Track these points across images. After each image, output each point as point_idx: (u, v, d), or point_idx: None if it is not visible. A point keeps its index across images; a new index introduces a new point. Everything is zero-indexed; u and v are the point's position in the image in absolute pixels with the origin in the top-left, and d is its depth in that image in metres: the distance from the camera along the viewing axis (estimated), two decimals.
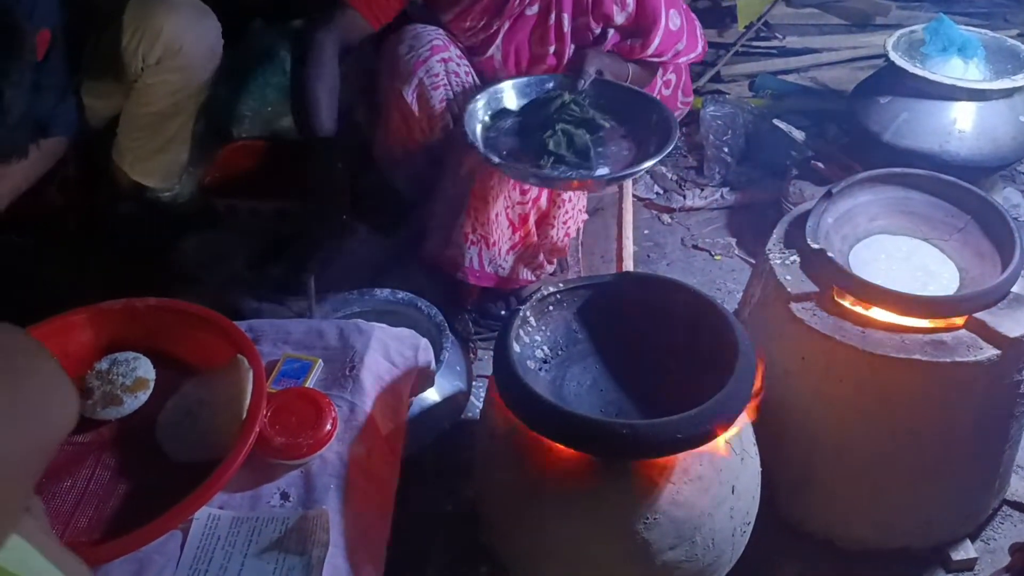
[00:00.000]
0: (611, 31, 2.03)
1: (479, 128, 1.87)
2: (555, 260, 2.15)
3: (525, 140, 1.86)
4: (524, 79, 1.98)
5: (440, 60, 1.94)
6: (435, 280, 2.10)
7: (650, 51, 2.04)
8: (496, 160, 1.77)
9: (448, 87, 1.96)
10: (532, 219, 2.00)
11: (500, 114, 1.94)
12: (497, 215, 1.97)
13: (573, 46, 2.04)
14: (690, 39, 2.09)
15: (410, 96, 1.94)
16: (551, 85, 1.95)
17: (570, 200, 2.03)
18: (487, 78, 2.07)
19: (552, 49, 2.03)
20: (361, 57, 2.08)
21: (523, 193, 1.96)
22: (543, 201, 1.98)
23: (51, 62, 1.73)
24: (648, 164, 1.80)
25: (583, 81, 1.91)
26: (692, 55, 2.13)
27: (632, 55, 2.06)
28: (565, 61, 2.05)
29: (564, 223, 2.05)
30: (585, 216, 2.14)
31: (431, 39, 1.96)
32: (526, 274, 2.09)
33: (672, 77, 2.20)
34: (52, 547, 0.76)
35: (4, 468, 0.64)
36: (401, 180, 2.11)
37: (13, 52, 1.42)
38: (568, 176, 1.79)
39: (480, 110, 1.90)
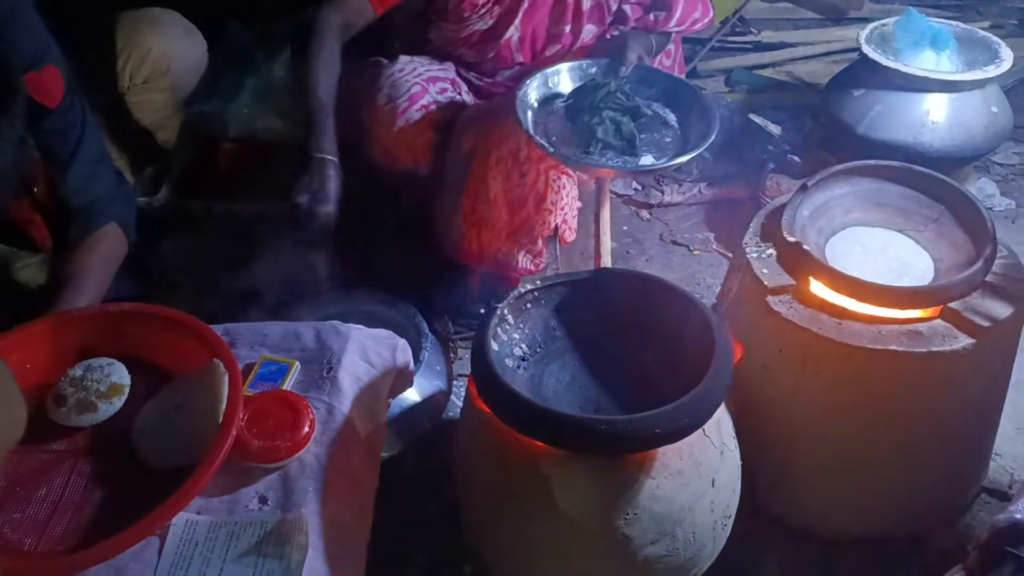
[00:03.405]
0: (627, 7, 2.04)
1: (529, 114, 1.86)
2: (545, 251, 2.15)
3: (572, 127, 1.85)
4: (572, 63, 1.97)
5: (420, 108, 1.96)
6: (436, 270, 2.12)
7: (673, 23, 2.06)
8: (551, 150, 1.76)
9: (431, 129, 1.96)
10: (531, 203, 2.00)
11: (546, 99, 1.93)
12: (496, 197, 1.96)
13: (589, 25, 2.04)
14: (703, 6, 2.11)
15: (392, 143, 1.96)
16: (595, 71, 1.95)
17: (565, 187, 2.03)
18: (502, 60, 2.07)
19: (568, 28, 2.04)
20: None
21: (522, 176, 1.95)
22: (540, 185, 1.98)
23: (73, 107, 1.64)
24: (695, 153, 1.79)
25: (625, 68, 1.91)
26: (706, 20, 2.14)
27: (656, 28, 2.07)
28: (579, 40, 2.06)
29: (561, 208, 2.05)
30: (579, 204, 2.15)
31: (409, 87, 1.97)
32: (526, 262, 2.08)
33: (672, 47, 2.21)
34: None
35: None
36: (392, 179, 2.12)
37: (3, 102, 1.34)
38: (619, 165, 1.78)
39: (531, 94, 1.89)
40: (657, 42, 2.08)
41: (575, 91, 1.90)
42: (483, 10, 2.01)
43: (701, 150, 1.78)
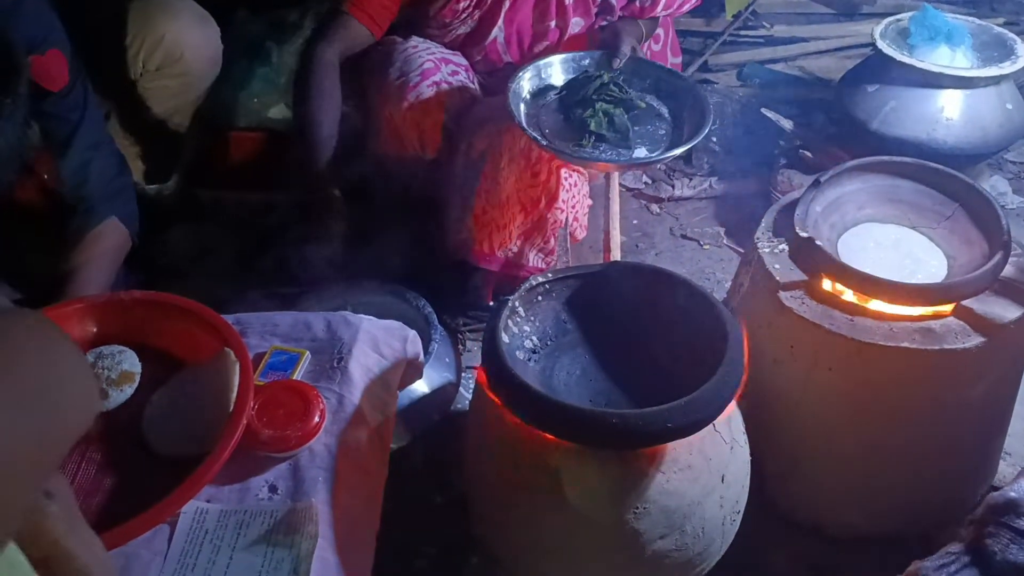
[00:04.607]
0: None
1: (522, 107, 1.85)
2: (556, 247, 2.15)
3: (565, 119, 1.84)
4: (565, 55, 1.95)
5: (431, 84, 1.93)
6: (447, 269, 2.11)
7: (660, 8, 2.05)
8: (544, 143, 1.76)
9: (440, 108, 1.94)
10: (544, 202, 1.99)
11: (539, 91, 1.92)
12: (508, 198, 1.96)
13: (575, 18, 2.03)
14: None
15: (401, 119, 1.94)
16: (588, 63, 1.94)
17: (576, 185, 2.02)
18: (490, 61, 2.06)
19: (553, 24, 2.03)
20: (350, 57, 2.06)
21: (534, 175, 1.95)
22: (552, 183, 1.98)
23: (74, 91, 1.65)
24: (689, 145, 1.78)
25: (619, 60, 1.90)
26: (693, 1, 2.13)
27: (643, 15, 2.06)
28: (567, 35, 2.04)
29: (573, 207, 2.05)
30: (590, 201, 2.14)
31: (422, 62, 1.94)
32: (537, 261, 2.08)
33: (660, 31, 2.20)
34: (72, 536, 0.74)
35: (6, 465, 0.60)
36: (398, 172, 2.11)
37: (8, 82, 1.35)
38: (612, 158, 1.78)
39: (524, 86, 1.88)
40: (647, 28, 2.08)
41: (568, 83, 1.90)
42: (464, 15, 2.00)
43: (694, 142, 1.78)
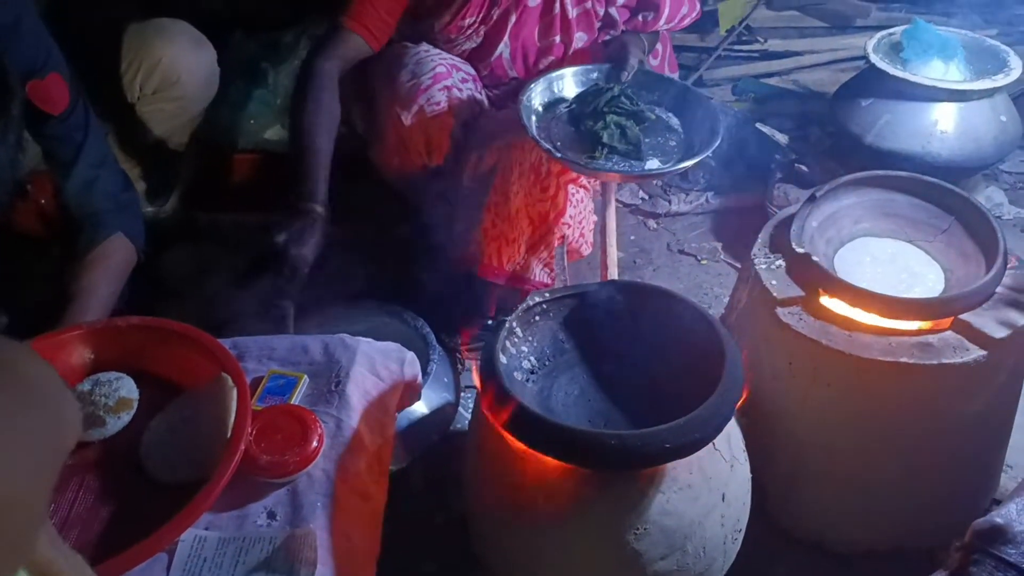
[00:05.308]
0: (615, 11, 2.04)
1: (533, 119, 1.85)
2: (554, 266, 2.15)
3: (576, 131, 1.85)
4: (576, 68, 1.96)
5: (442, 88, 1.93)
6: (443, 281, 2.10)
7: (662, 22, 2.06)
8: (558, 155, 1.76)
9: (449, 114, 1.94)
10: (552, 216, 1.99)
11: (550, 104, 1.93)
12: (517, 211, 1.96)
13: (579, 33, 2.04)
14: (690, 2, 2.11)
15: (409, 122, 1.93)
16: (596, 75, 1.94)
17: (583, 201, 2.03)
18: (496, 76, 2.07)
19: (558, 39, 2.04)
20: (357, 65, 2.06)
21: (543, 190, 1.95)
22: (560, 199, 1.98)
23: (76, 112, 1.67)
24: (701, 156, 1.78)
25: (627, 73, 1.91)
26: (693, 15, 2.14)
27: (646, 29, 2.07)
28: (571, 50, 2.05)
29: (580, 222, 2.05)
30: (595, 218, 2.14)
31: (435, 65, 1.94)
32: (543, 275, 2.07)
33: (659, 47, 2.20)
34: (61, 560, 0.74)
35: (23, 495, 0.60)
36: (401, 186, 2.11)
37: (1, 104, 1.35)
38: (625, 169, 1.78)
39: (535, 99, 1.88)
40: (648, 41, 2.09)
41: (578, 96, 1.90)
42: (469, 31, 2.00)
43: (707, 153, 1.78)
